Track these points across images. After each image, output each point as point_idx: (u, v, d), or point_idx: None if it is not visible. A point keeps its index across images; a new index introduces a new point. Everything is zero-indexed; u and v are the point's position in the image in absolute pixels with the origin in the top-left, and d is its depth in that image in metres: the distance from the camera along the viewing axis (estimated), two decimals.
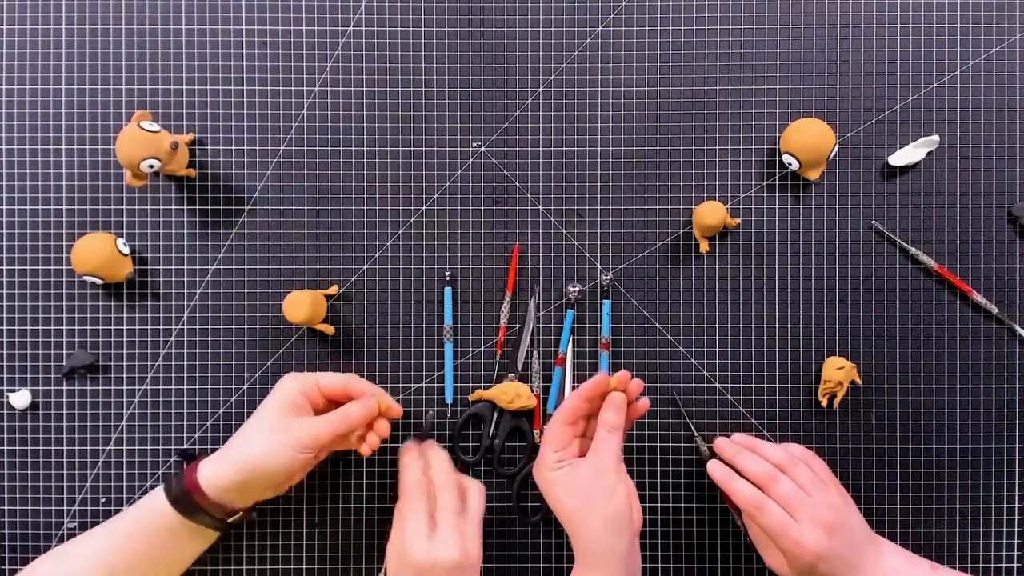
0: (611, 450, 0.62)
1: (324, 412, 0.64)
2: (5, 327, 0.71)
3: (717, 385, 0.71)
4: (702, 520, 0.71)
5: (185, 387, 0.71)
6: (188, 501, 0.61)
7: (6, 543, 0.71)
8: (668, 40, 0.71)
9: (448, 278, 0.71)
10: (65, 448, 0.71)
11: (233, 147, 0.71)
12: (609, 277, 0.71)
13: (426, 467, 0.65)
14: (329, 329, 0.70)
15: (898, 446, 0.71)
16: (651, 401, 0.71)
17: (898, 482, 0.71)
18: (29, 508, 0.71)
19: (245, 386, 0.71)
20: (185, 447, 0.71)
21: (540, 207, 0.71)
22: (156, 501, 0.62)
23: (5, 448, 0.71)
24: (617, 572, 0.60)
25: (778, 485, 0.61)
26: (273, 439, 0.61)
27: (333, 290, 0.70)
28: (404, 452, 0.66)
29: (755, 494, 0.61)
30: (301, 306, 0.66)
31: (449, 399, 0.71)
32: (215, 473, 0.62)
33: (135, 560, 0.62)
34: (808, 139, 0.67)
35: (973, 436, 0.71)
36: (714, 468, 0.64)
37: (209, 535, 0.65)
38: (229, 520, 0.64)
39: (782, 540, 0.59)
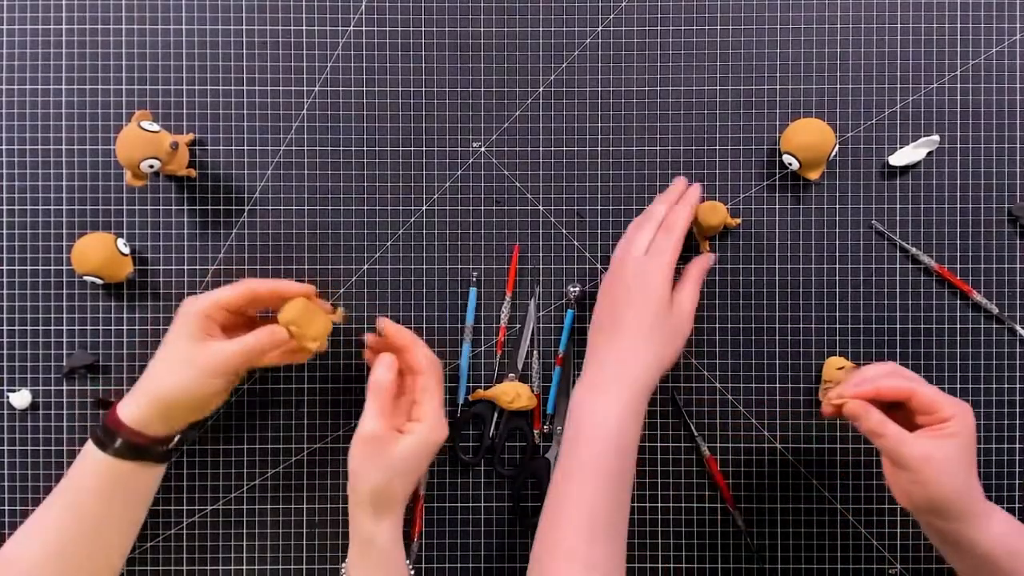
0: (695, 298, 0.64)
1: (232, 328, 0.64)
2: (5, 327, 0.71)
3: (717, 385, 0.71)
4: (702, 520, 0.71)
5: None
6: (120, 443, 0.61)
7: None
8: (668, 40, 0.71)
9: (474, 279, 0.71)
10: (65, 448, 0.71)
11: (233, 147, 0.71)
12: None
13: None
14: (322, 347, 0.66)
15: None
16: (650, 401, 0.71)
17: None
18: (29, 508, 0.70)
19: (245, 386, 0.71)
20: (101, 396, 0.70)
21: (540, 207, 0.71)
22: (91, 459, 0.62)
23: (5, 448, 0.71)
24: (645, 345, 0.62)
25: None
26: (182, 370, 0.61)
27: (339, 316, 0.66)
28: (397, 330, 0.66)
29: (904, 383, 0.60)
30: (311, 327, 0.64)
31: (461, 399, 0.71)
32: (133, 411, 0.61)
33: (95, 524, 0.62)
34: (808, 139, 0.67)
35: None
36: (856, 407, 0.60)
37: (155, 470, 0.64)
38: (167, 448, 0.64)
39: (946, 397, 0.59)
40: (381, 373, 0.62)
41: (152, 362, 0.63)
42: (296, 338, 0.62)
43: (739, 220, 0.70)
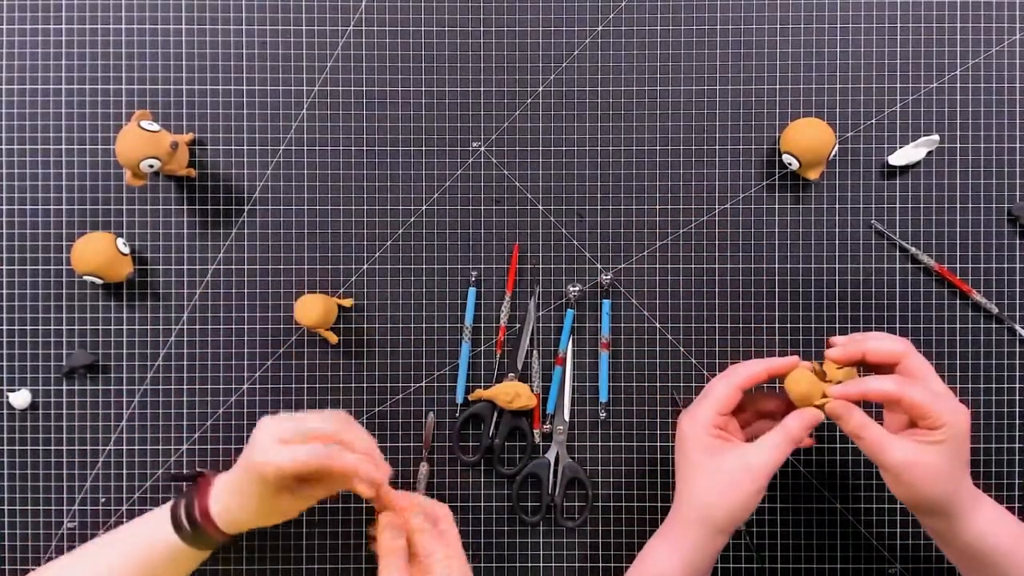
0: (775, 458, 0.58)
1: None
2: (5, 327, 0.71)
3: None
4: None
5: (185, 387, 0.71)
6: (195, 531, 0.61)
7: (6, 543, 0.71)
8: (668, 40, 0.71)
9: (473, 279, 0.71)
10: (65, 448, 0.71)
11: (233, 147, 0.71)
12: (609, 277, 0.71)
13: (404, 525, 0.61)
14: (332, 338, 0.69)
15: None
16: (651, 401, 0.71)
17: None
18: (29, 508, 0.71)
19: (245, 386, 0.71)
20: (181, 472, 0.70)
21: (540, 207, 0.71)
22: (165, 532, 0.61)
23: (5, 448, 0.71)
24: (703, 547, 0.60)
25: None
26: (265, 513, 0.61)
27: (348, 302, 0.69)
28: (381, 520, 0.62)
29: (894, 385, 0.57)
30: (313, 310, 0.65)
31: (460, 399, 0.71)
32: (232, 522, 0.61)
33: None
34: (808, 139, 0.67)
35: (973, 436, 0.70)
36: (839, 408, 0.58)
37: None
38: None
39: (940, 402, 0.56)
40: (388, 537, 0.60)
41: (246, 494, 0.60)
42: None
43: (833, 400, 0.59)
